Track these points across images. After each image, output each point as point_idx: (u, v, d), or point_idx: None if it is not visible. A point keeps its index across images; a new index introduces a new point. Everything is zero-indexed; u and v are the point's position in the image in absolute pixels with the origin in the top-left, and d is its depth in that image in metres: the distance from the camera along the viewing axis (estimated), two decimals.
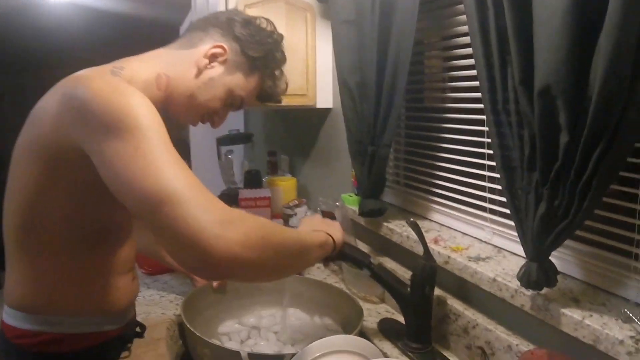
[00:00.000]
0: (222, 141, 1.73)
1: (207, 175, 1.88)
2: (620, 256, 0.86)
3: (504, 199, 1.07)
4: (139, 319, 1.11)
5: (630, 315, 0.77)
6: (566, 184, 0.76)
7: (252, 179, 1.69)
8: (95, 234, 0.87)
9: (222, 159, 1.74)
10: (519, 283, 0.91)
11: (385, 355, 1.12)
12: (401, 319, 1.17)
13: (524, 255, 1.02)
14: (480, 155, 1.13)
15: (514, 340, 0.95)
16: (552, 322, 0.85)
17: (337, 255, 1.02)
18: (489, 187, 1.12)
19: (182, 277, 1.46)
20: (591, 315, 0.81)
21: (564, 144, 0.74)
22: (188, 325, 1.01)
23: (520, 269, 0.86)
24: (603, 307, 0.83)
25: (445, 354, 1.11)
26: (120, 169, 0.68)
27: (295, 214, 1.64)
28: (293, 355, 0.92)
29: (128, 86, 0.77)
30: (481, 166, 1.13)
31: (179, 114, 0.96)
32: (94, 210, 0.84)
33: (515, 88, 0.81)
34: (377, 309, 1.32)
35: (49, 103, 0.79)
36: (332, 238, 0.97)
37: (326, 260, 1.03)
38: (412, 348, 1.10)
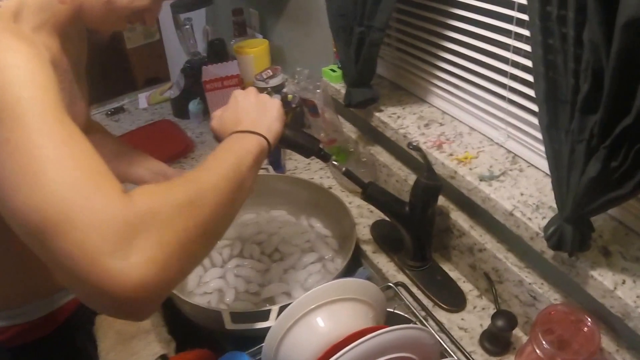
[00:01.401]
0: (177, 8, 1.39)
1: (175, 46, 1.58)
2: None
3: (526, 100, 0.87)
4: None
5: None
6: (634, 146, 0.57)
7: (216, 51, 1.40)
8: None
9: (181, 29, 1.42)
10: (541, 223, 0.77)
11: (380, 272, 1.04)
12: None
13: (546, 171, 0.88)
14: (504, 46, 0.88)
15: (527, 276, 0.85)
16: (576, 279, 0.73)
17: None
18: (509, 80, 0.89)
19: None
20: (624, 283, 0.68)
21: None
22: None
23: (549, 227, 0.71)
24: (637, 264, 0.71)
25: (446, 266, 1.02)
26: None
27: (269, 88, 1.41)
28: (284, 306, 0.81)
29: None
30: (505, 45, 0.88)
31: (98, 25, 0.71)
32: None
33: None
34: (369, 206, 1.20)
35: None
36: (266, 139, 0.72)
37: None
38: (409, 266, 1.01)
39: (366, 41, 0.99)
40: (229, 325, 0.80)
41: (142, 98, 1.70)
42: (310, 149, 0.90)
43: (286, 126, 0.83)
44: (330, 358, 0.65)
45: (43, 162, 0.46)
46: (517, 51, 0.85)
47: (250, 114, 0.74)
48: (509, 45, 0.86)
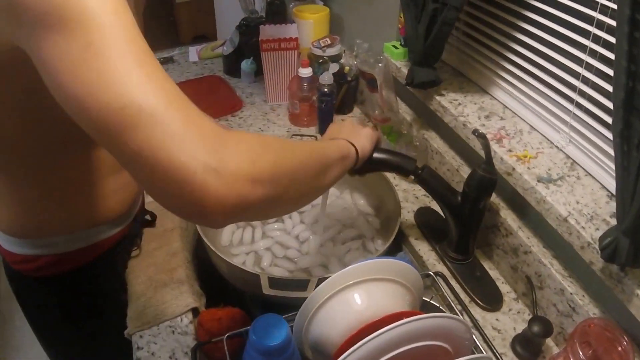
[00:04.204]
0: None
1: (226, 4, 1.61)
2: None
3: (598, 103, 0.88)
4: (148, 207, 1.05)
5: None
6: None
7: (275, 12, 1.42)
8: (62, 138, 0.74)
9: None
10: (594, 234, 0.79)
11: (420, 260, 1.07)
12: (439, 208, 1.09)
13: (603, 184, 0.90)
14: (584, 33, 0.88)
15: (570, 286, 0.88)
16: (621, 296, 0.76)
17: (368, 166, 0.93)
18: (582, 76, 0.89)
19: None
20: None
21: None
22: (205, 241, 0.94)
23: (605, 237, 0.73)
24: None
25: (487, 264, 1.06)
26: (65, 77, 0.48)
27: (326, 56, 1.43)
28: (324, 278, 0.86)
29: None
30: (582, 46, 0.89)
31: None
32: (54, 115, 0.63)
33: None
34: (415, 191, 1.23)
35: None
36: (355, 147, 0.86)
37: (351, 173, 0.92)
38: (450, 257, 1.04)
39: (439, 19, 1.00)
40: (267, 290, 0.85)
41: (193, 51, 1.74)
42: (406, 168, 0.97)
43: (380, 150, 0.95)
44: (365, 337, 0.69)
45: (130, 63, 0.49)
46: (593, 54, 0.86)
47: (347, 132, 0.90)
48: (586, 46, 0.86)
